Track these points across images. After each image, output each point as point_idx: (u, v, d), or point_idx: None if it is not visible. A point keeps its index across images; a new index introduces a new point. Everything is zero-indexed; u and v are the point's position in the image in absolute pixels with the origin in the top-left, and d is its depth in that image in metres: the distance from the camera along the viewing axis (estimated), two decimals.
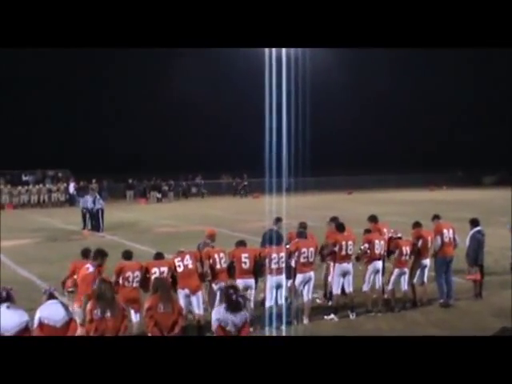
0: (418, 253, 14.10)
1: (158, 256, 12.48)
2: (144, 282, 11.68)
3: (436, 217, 15.00)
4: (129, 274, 11.54)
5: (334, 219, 14.85)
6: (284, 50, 25.17)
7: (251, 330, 9.80)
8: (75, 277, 11.70)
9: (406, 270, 13.92)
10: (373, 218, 15.14)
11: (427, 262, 14.22)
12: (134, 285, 11.54)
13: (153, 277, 11.37)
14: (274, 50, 24.20)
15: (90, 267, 11.43)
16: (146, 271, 11.80)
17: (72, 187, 46.69)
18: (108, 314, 9.16)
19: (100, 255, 11.83)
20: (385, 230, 14.63)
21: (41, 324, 8.71)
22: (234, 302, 8.14)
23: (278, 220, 14.47)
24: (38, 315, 8.77)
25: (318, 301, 14.05)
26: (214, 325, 8.27)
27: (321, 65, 39.56)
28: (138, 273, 11.68)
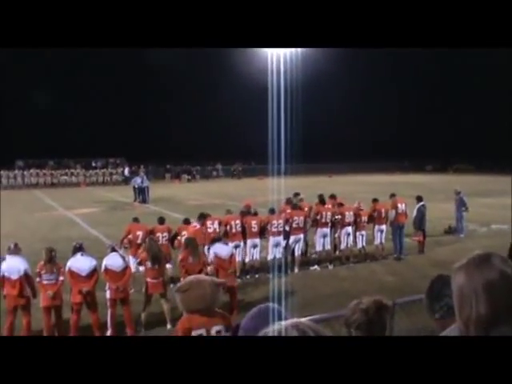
0: (374, 220, 14.26)
1: (186, 221, 12.57)
2: (172, 239, 11.84)
3: (393, 195, 15.11)
4: (158, 234, 11.59)
5: (319, 196, 14.92)
6: (284, 52, 24.81)
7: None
8: (130, 236, 11.84)
9: (364, 232, 14.07)
10: (332, 196, 15.29)
11: (383, 227, 14.34)
12: (164, 242, 11.51)
13: (183, 237, 11.31)
14: (274, 52, 23.75)
15: (196, 225, 11.93)
16: (175, 233, 11.92)
17: (126, 171, 46.69)
18: (156, 264, 9.34)
19: (202, 216, 12.20)
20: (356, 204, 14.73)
21: (106, 269, 8.84)
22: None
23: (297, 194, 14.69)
24: (104, 263, 8.89)
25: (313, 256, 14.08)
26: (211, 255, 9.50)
27: (313, 64, 38.63)
28: (166, 233, 11.79)
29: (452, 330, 2.08)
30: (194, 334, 4.74)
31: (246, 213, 13.12)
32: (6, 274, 8.41)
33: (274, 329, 1.46)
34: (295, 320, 1.50)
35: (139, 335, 8.83)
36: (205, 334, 4.78)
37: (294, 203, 13.85)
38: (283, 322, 1.48)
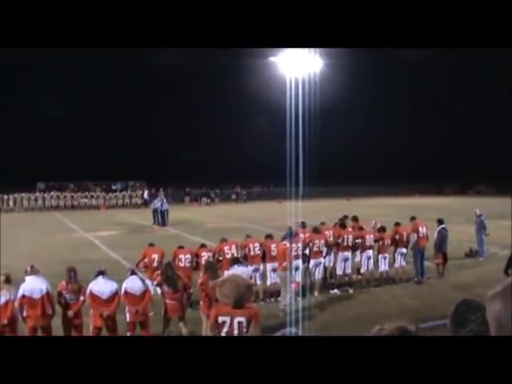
0: (396, 243, 14.15)
1: (203, 245, 12.59)
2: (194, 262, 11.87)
3: (413, 218, 15.03)
4: (181, 256, 11.66)
5: (341, 219, 14.89)
6: (302, 74, 24.72)
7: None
8: (145, 260, 11.91)
9: (387, 255, 13.96)
10: (354, 218, 15.23)
11: (404, 250, 14.23)
12: (187, 265, 11.59)
13: (203, 259, 11.49)
14: (293, 78, 23.67)
15: (286, 243, 11.84)
16: (195, 255, 11.94)
17: (146, 194, 47.03)
18: (171, 288, 9.33)
19: (290, 234, 12.17)
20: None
21: (125, 292, 8.87)
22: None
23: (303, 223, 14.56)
24: (123, 286, 8.92)
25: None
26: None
27: (332, 86, 38.44)
28: (188, 255, 11.82)
29: None
30: (219, 320, 6.21)
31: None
32: (26, 294, 8.46)
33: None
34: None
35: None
36: (229, 321, 6.18)
37: (314, 227, 13.79)
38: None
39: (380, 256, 13.88)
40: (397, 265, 14.16)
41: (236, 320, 6.35)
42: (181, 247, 12.22)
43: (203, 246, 12.64)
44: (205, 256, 11.79)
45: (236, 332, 6.38)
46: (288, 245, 11.90)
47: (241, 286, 6.10)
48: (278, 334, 1.78)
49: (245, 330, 6.40)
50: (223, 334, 6.41)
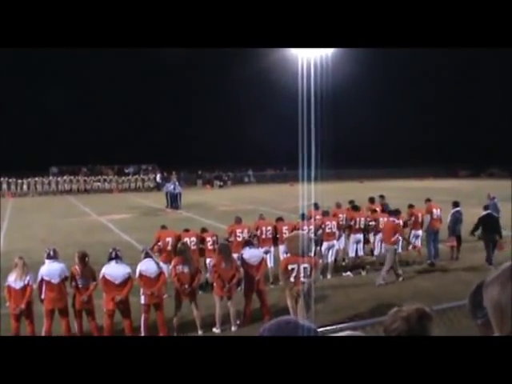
0: (410, 225, 14.11)
1: (203, 230, 12.46)
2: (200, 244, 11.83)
3: (428, 200, 14.98)
4: (186, 239, 11.50)
5: (351, 202, 14.87)
6: (314, 56, 24.65)
7: None
8: (159, 243, 11.88)
9: (401, 237, 13.90)
10: (371, 199, 15.56)
11: (419, 232, 14.19)
12: (193, 247, 11.33)
13: (209, 244, 11.61)
14: (304, 58, 23.61)
15: (395, 219, 12.67)
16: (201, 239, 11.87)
17: (159, 177, 47.13)
18: (186, 269, 9.35)
19: (398, 212, 13.16)
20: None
21: (140, 275, 8.94)
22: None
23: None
24: (138, 268, 8.97)
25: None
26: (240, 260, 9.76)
27: (345, 68, 38.14)
28: (194, 238, 11.71)
29: None
30: (289, 267, 8.31)
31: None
32: (46, 278, 8.62)
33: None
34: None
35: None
36: (296, 268, 8.26)
37: (324, 210, 13.76)
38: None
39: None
40: (411, 247, 14.15)
41: (302, 266, 8.31)
42: (186, 230, 12.19)
43: (204, 230, 12.54)
44: (209, 241, 11.79)
45: (302, 275, 8.35)
46: (396, 221, 12.67)
47: (305, 239, 8.27)
48: (280, 320, 1.76)
49: (308, 274, 8.36)
50: (291, 280, 8.41)
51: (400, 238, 12.81)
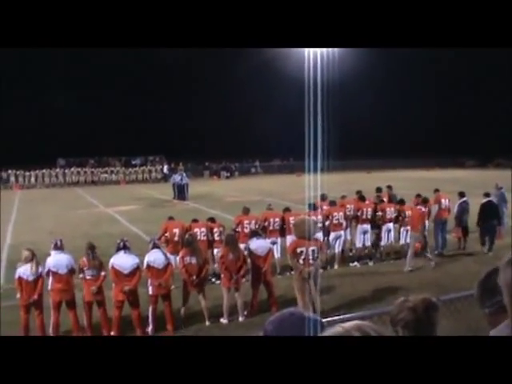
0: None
1: (211, 219, 12.43)
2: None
3: (436, 190, 14.95)
4: (196, 230, 11.48)
5: (358, 192, 14.84)
6: (321, 49, 24.49)
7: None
8: (166, 234, 11.87)
9: (409, 227, 13.85)
10: (378, 189, 15.48)
11: (426, 222, 14.14)
12: (202, 238, 11.39)
13: (216, 235, 11.61)
14: (311, 50, 23.46)
15: (421, 208, 13.06)
16: (211, 228, 11.84)
17: (166, 168, 47.18)
18: (194, 260, 9.37)
19: (426, 200, 13.65)
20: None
21: (148, 266, 8.96)
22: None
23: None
24: (146, 260, 9.00)
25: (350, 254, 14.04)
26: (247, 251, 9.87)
27: (350, 61, 37.95)
28: (203, 229, 11.68)
29: (502, 328, 2.03)
30: (298, 250, 8.84)
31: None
32: (52, 269, 8.64)
33: (334, 331, 1.44)
34: (357, 322, 1.48)
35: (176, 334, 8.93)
36: (305, 250, 8.79)
37: (331, 200, 13.75)
38: (344, 324, 1.46)
39: (402, 229, 13.77)
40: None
41: (310, 249, 8.87)
42: (195, 220, 12.19)
43: (212, 219, 12.47)
44: (217, 232, 11.79)
45: (310, 257, 8.85)
46: (423, 209, 13.00)
47: (311, 224, 9.10)
48: (284, 313, 1.74)
49: (316, 256, 8.94)
50: (301, 262, 8.86)
51: (426, 225, 13.20)
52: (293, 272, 12.28)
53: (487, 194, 14.66)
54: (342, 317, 4.64)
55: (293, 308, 1.71)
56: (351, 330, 1.41)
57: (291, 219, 12.39)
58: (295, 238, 9.34)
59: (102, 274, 8.80)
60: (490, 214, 14.05)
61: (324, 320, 1.78)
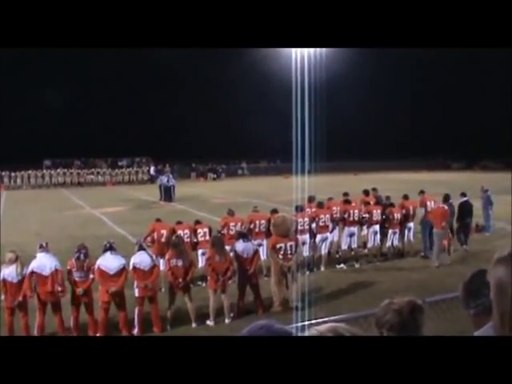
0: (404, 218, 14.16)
1: (197, 222, 12.42)
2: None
3: (422, 191, 14.99)
4: (180, 232, 11.40)
5: (345, 194, 14.86)
6: (308, 50, 24.56)
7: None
8: (153, 235, 11.80)
9: (397, 230, 13.93)
10: (365, 192, 15.39)
11: (411, 224, 14.21)
12: (186, 240, 11.18)
13: (199, 236, 11.61)
14: (298, 51, 23.53)
15: (444, 206, 13.50)
16: (194, 231, 11.78)
17: (152, 170, 47.02)
18: (180, 263, 9.34)
19: (448, 197, 14.04)
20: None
21: (134, 268, 8.92)
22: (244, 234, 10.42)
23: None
24: (132, 261, 8.96)
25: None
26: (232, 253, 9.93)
27: (337, 62, 38.09)
28: (187, 231, 11.60)
29: (486, 330, 2.05)
30: (277, 246, 9.71)
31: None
32: (37, 271, 8.56)
33: (309, 334, 1.44)
34: (332, 324, 1.48)
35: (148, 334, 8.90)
36: (283, 246, 9.68)
37: (318, 202, 13.78)
38: (319, 327, 1.46)
39: (390, 231, 13.83)
40: (404, 239, 14.18)
41: (288, 244, 9.70)
42: (179, 222, 12.16)
43: (198, 222, 12.45)
44: (200, 233, 11.76)
45: (289, 252, 9.69)
46: (446, 207, 13.39)
47: (290, 222, 9.98)
48: (257, 324, 1.70)
49: (293, 250, 9.76)
50: (280, 257, 9.70)
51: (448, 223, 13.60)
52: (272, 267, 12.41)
53: (463, 194, 15.21)
54: (327, 319, 4.65)
55: (264, 321, 1.66)
56: (326, 332, 1.41)
57: None
58: (274, 236, 10.07)
59: (91, 276, 8.75)
60: (466, 212, 14.82)
61: (300, 324, 1.77)
